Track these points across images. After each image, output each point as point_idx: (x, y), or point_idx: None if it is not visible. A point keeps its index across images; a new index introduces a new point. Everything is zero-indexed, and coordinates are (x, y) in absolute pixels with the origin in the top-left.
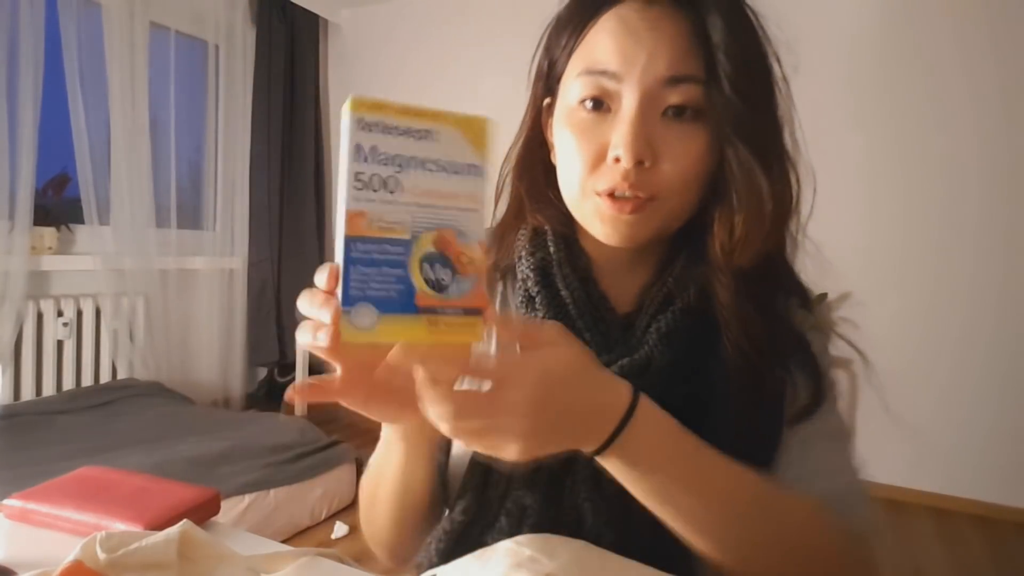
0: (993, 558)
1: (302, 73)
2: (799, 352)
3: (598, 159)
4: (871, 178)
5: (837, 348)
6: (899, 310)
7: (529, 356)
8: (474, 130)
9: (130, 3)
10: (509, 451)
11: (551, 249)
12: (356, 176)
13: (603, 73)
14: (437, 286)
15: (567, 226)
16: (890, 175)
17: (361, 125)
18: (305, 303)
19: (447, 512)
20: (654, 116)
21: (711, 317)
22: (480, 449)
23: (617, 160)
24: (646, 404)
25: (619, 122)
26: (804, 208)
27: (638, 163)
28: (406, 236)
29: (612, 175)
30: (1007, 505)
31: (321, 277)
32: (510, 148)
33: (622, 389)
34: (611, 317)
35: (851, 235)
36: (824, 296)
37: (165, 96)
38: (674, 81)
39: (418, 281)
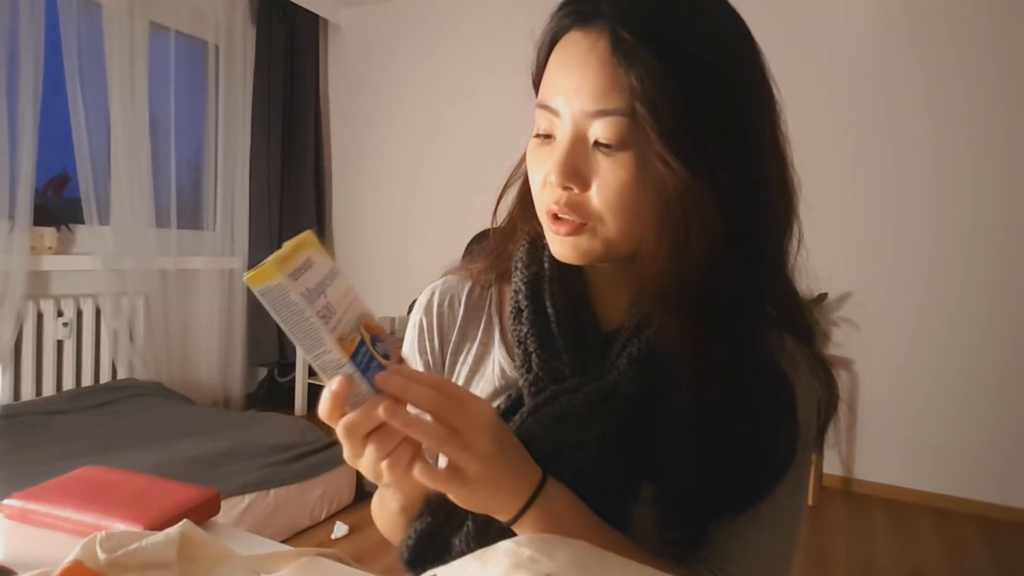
0: (993, 558)
1: (302, 73)
2: (776, 406)
3: (545, 180)
4: (875, 178)
5: (839, 347)
6: (901, 311)
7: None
8: (315, 244)
9: (130, 3)
10: (463, 483)
11: (545, 264)
12: (318, 314)
13: (547, 108)
14: (385, 357)
15: None
16: (894, 176)
17: (293, 277)
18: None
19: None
20: (585, 147)
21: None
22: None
23: (552, 185)
24: (551, 489)
25: (554, 150)
26: (793, 235)
27: (565, 188)
28: (359, 338)
29: (549, 197)
30: (1007, 505)
31: (336, 392)
32: (519, 162)
33: (530, 479)
34: (593, 336)
35: (855, 236)
36: (824, 296)
37: (165, 96)
38: (598, 115)
39: (380, 360)
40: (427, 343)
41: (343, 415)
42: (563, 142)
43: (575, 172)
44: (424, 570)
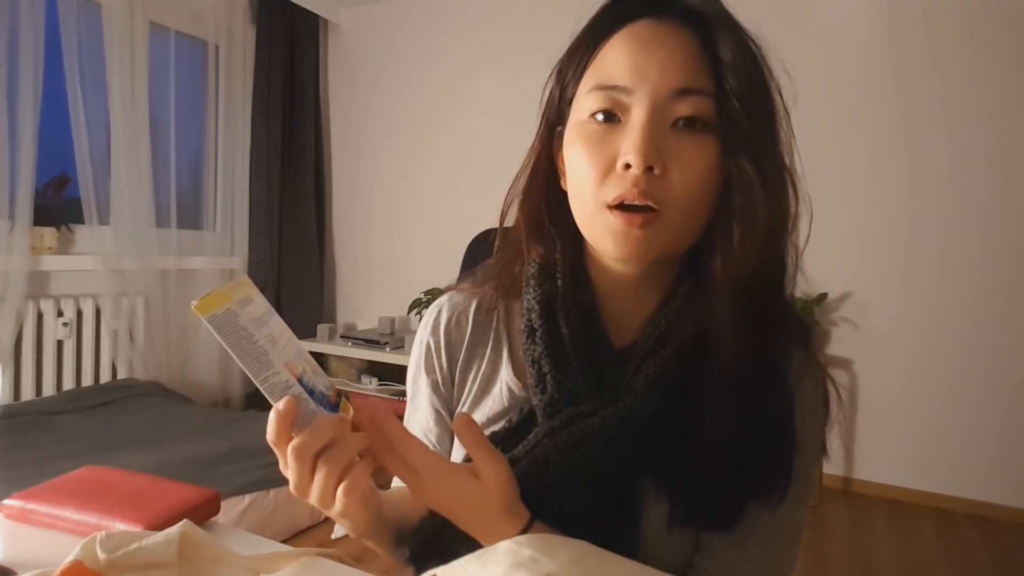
0: (993, 558)
1: (302, 73)
2: (782, 420)
3: (608, 169)
4: (875, 179)
5: (839, 347)
6: (901, 311)
7: (458, 476)
8: (252, 285)
9: (130, 3)
10: None
11: (558, 283)
12: (266, 338)
13: (614, 88)
14: (326, 390)
15: (573, 255)
16: (893, 176)
17: (241, 305)
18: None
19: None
20: (664, 126)
21: (702, 360)
22: None
23: (627, 167)
24: (537, 529)
25: (629, 130)
26: (800, 236)
27: (648, 169)
28: (302, 367)
29: (622, 183)
30: (1007, 505)
31: (283, 411)
32: (517, 175)
33: (516, 523)
34: (607, 355)
35: (854, 236)
36: (824, 296)
37: (165, 96)
38: (684, 92)
39: (323, 390)
40: (435, 362)
41: (290, 439)
42: (641, 119)
43: (658, 152)
44: (426, 567)
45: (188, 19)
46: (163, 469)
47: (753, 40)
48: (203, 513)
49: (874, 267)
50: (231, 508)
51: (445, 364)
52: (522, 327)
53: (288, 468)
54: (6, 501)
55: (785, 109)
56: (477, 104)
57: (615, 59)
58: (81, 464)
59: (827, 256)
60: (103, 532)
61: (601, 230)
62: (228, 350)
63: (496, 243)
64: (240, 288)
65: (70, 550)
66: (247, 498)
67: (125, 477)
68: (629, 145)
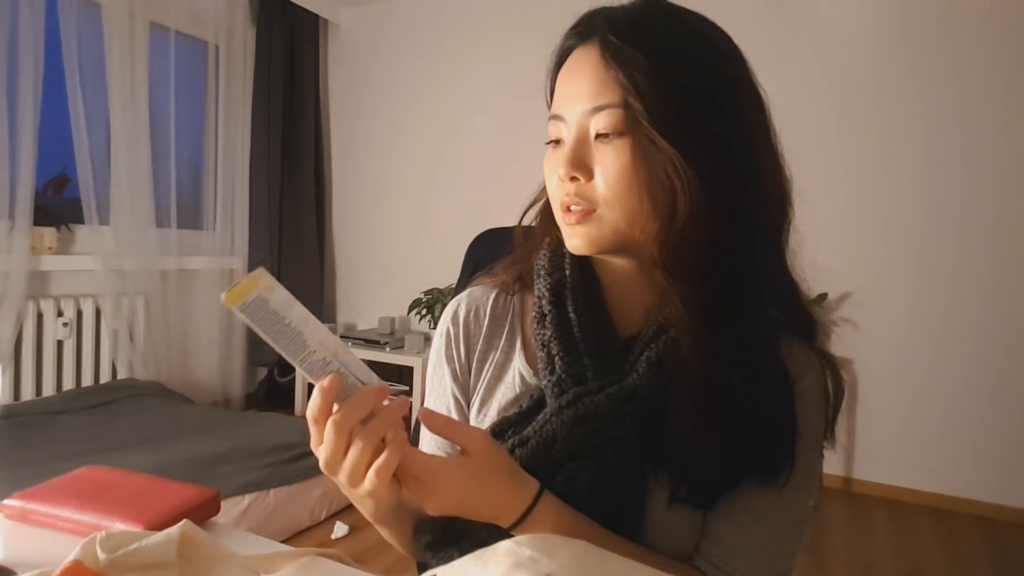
0: (993, 558)
1: (302, 73)
2: (778, 402)
3: (557, 181)
4: (877, 178)
5: (839, 347)
6: (901, 311)
7: (454, 464)
8: (269, 276)
9: (130, 3)
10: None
11: (567, 271)
12: (298, 319)
13: (555, 117)
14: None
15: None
16: (896, 175)
17: (268, 291)
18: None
19: None
20: (587, 142)
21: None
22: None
23: (561, 179)
24: (546, 501)
25: (562, 149)
26: (793, 228)
27: (572, 178)
28: (333, 350)
29: (560, 191)
30: (1007, 505)
31: (328, 387)
32: (543, 184)
33: (527, 492)
34: (613, 342)
35: (854, 237)
36: (824, 296)
37: (165, 96)
38: (595, 110)
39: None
40: (454, 351)
41: (331, 414)
42: (568, 140)
43: (580, 163)
44: (443, 552)
45: (188, 19)
46: (163, 469)
47: (679, 39)
48: (203, 513)
49: (875, 267)
50: (231, 508)
51: (463, 354)
52: (533, 314)
53: (323, 443)
54: (6, 501)
55: (749, 98)
56: (477, 104)
57: (557, 92)
58: (81, 464)
59: (827, 256)
60: (103, 532)
61: (562, 229)
62: (263, 336)
63: (516, 239)
64: (262, 277)
65: (70, 550)
66: (247, 498)
67: (125, 477)
68: (558, 162)
